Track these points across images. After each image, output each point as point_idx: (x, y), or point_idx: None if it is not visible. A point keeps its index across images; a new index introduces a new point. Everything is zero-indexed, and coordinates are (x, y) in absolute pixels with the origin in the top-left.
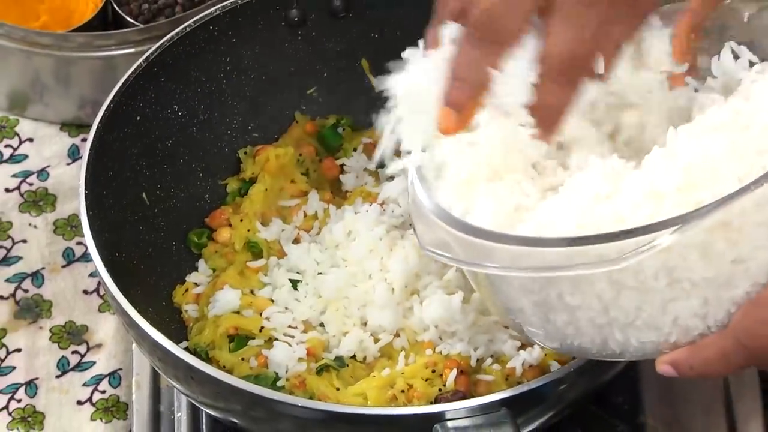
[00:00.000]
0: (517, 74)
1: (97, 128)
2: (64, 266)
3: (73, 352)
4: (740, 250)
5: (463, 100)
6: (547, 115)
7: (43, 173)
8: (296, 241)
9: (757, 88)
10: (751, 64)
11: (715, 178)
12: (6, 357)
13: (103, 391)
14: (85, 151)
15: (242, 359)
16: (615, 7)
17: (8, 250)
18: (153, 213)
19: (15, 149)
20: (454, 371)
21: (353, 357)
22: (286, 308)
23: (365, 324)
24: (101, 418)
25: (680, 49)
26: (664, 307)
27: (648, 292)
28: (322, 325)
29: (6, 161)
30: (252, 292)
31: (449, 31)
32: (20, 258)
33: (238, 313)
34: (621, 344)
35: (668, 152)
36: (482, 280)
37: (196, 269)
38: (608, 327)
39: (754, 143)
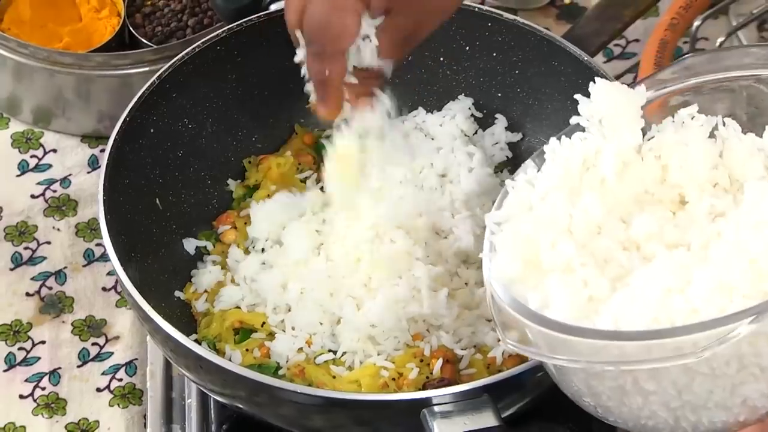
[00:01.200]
0: None
1: (114, 140)
2: (84, 266)
3: (93, 344)
4: None
5: (328, 98)
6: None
7: (65, 181)
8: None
9: None
10: None
11: None
12: (32, 349)
13: (120, 380)
14: (104, 160)
15: (246, 350)
16: None
17: (34, 251)
18: (165, 217)
19: (40, 159)
20: (440, 360)
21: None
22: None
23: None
24: (118, 404)
25: None
26: (734, 390)
27: (719, 377)
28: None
29: (32, 170)
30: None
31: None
32: (45, 258)
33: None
34: (693, 424)
35: (734, 243)
36: (559, 366)
37: (204, 267)
38: (681, 410)
39: None
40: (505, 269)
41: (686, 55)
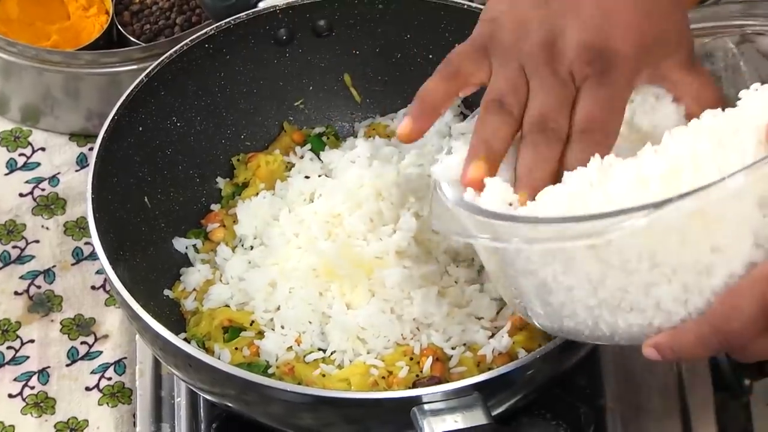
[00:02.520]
0: None
1: (102, 138)
2: (73, 264)
3: (81, 343)
4: (717, 239)
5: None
6: (524, 174)
7: (54, 179)
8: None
9: (751, 98)
10: None
11: (697, 170)
12: (20, 348)
13: (110, 378)
14: (92, 159)
15: (236, 349)
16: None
17: (22, 250)
18: (154, 215)
19: (28, 158)
20: (430, 359)
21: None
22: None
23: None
24: (108, 403)
25: None
26: (647, 291)
27: (632, 273)
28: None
29: (20, 168)
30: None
31: None
32: (33, 257)
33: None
34: (610, 326)
35: (660, 147)
36: (493, 265)
37: (193, 266)
38: (598, 309)
39: (738, 143)
40: (455, 167)
41: None
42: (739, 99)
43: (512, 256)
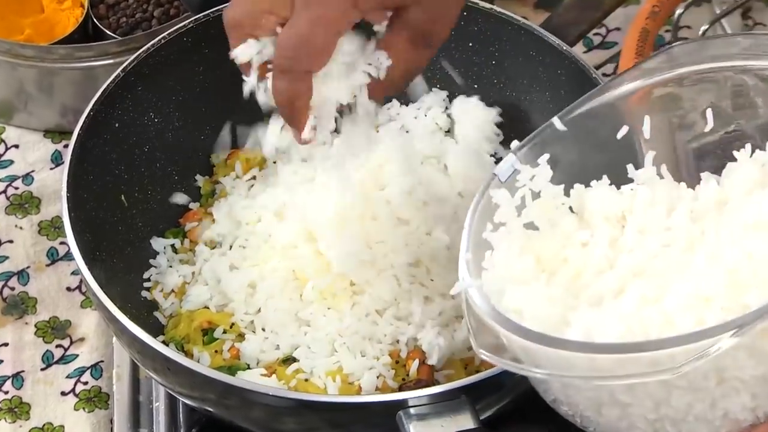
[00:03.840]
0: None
1: (78, 135)
2: (48, 265)
3: (57, 346)
4: None
5: (296, 120)
6: (282, 106)
7: (28, 177)
8: None
9: None
10: None
11: (760, 279)
12: None
13: (86, 383)
14: (67, 156)
15: (216, 351)
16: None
17: None
18: (131, 214)
19: (1, 155)
20: (416, 362)
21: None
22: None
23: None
24: (84, 408)
25: None
26: (715, 404)
27: (698, 391)
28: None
29: None
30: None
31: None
32: (7, 257)
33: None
34: None
35: (712, 253)
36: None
37: (171, 266)
38: (660, 422)
39: None
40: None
41: (670, 45)
42: None
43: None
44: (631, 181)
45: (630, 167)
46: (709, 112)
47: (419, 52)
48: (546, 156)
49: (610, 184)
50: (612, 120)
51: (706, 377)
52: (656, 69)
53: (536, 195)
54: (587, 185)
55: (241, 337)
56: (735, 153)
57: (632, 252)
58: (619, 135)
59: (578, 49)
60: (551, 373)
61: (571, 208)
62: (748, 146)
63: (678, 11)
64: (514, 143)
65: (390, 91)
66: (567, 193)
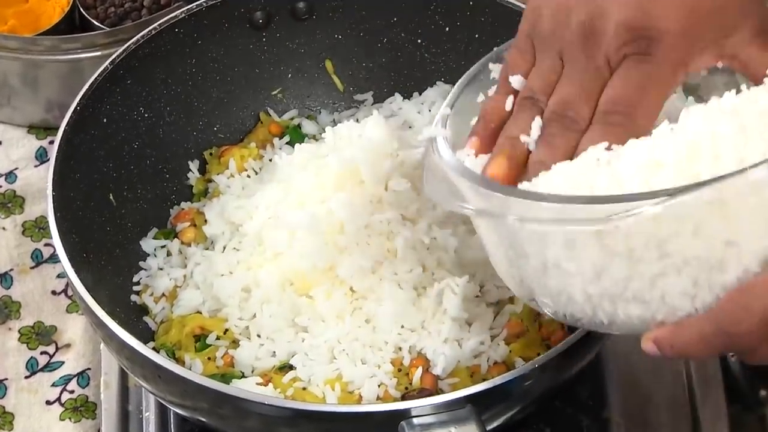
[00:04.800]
0: None
1: (64, 131)
2: (32, 267)
3: (41, 353)
4: (734, 233)
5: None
6: (532, 164)
7: (11, 176)
8: None
9: None
10: None
11: (717, 156)
12: None
13: (72, 391)
14: (53, 153)
15: (208, 358)
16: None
17: None
18: (120, 214)
19: None
20: (420, 370)
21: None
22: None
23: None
24: (70, 418)
25: None
26: (653, 282)
27: (638, 262)
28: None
29: None
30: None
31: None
32: None
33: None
34: (609, 315)
35: (677, 127)
36: (493, 246)
37: (162, 269)
38: (598, 297)
39: (763, 128)
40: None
41: None
42: (767, 76)
43: (511, 236)
44: None
45: None
46: None
47: None
48: None
49: None
50: None
51: (647, 247)
52: None
53: None
54: None
55: (235, 343)
56: None
57: None
58: None
59: None
60: (491, 210)
61: None
62: None
63: None
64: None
65: None
66: None
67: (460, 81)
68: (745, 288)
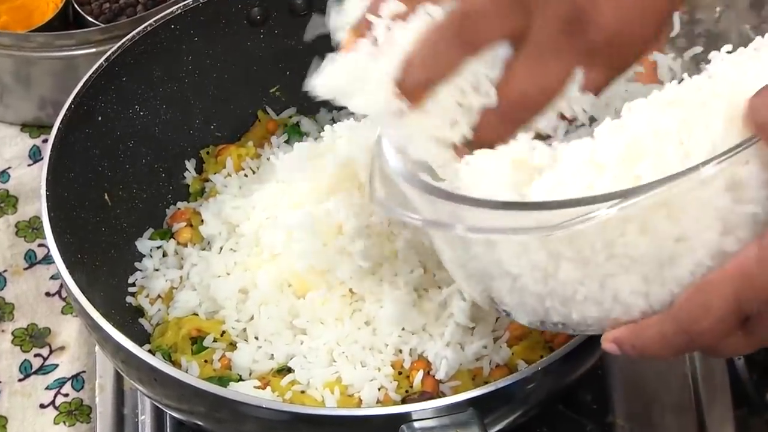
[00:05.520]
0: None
1: (58, 129)
2: (26, 268)
3: (35, 355)
4: (683, 228)
5: (415, 87)
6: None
7: (3, 175)
8: None
9: (721, 66)
10: None
11: (660, 152)
12: None
13: (66, 395)
14: (47, 152)
15: (205, 361)
16: (590, 57)
17: None
18: (115, 214)
19: None
20: (421, 372)
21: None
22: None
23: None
24: (64, 422)
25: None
26: (604, 283)
27: (587, 265)
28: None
29: None
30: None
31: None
32: None
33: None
34: (563, 316)
35: (618, 124)
36: (446, 252)
37: (158, 270)
38: (550, 299)
39: (706, 119)
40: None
41: None
42: (708, 62)
43: (461, 242)
44: None
45: None
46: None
47: None
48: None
49: None
50: None
51: (594, 249)
52: None
53: None
54: None
55: (232, 346)
56: None
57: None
58: None
59: None
60: (439, 221)
61: None
62: None
63: None
64: None
65: None
66: None
67: None
68: (702, 286)
